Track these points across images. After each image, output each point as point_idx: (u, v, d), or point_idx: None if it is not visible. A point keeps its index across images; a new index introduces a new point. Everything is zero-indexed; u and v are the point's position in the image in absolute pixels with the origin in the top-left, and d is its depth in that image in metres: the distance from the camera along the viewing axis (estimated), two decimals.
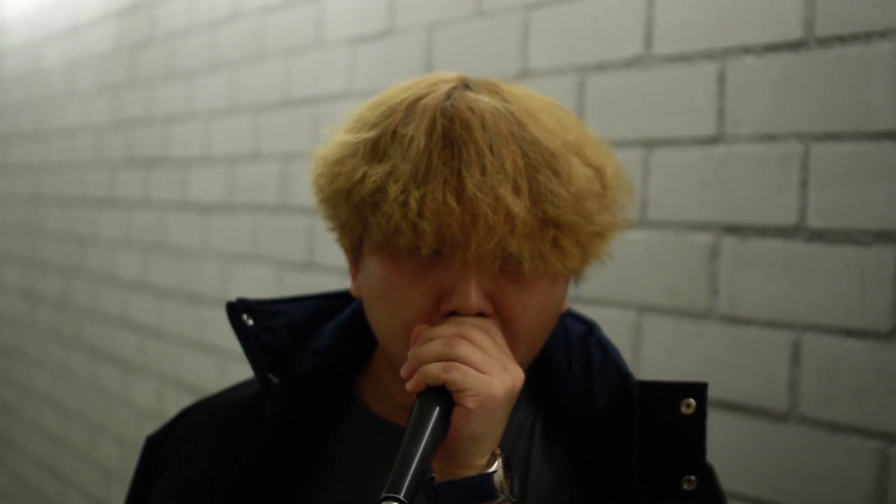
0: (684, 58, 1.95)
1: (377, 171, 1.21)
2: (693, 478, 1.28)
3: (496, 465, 1.17)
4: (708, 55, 1.90)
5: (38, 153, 5.48)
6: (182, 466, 1.44)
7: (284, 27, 3.28)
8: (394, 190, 1.19)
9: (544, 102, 1.29)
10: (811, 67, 1.74)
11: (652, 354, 1.98)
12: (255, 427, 1.37)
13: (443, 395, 1.14)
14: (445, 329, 1.18)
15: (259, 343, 1.38)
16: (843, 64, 1.70)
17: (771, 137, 1.80)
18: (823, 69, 1.72)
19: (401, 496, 1.05)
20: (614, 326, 1.45)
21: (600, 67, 2.12)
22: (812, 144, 1.73)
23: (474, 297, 1.20)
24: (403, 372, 1.19)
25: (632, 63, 2.05)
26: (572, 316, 1.45)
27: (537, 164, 1.20)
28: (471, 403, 1.13)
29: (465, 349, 1.15)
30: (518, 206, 1.17)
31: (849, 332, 1.68)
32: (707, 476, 1.33)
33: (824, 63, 1.73)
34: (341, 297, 1.48)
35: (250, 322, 1.39)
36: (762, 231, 1.81)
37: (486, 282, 1.22)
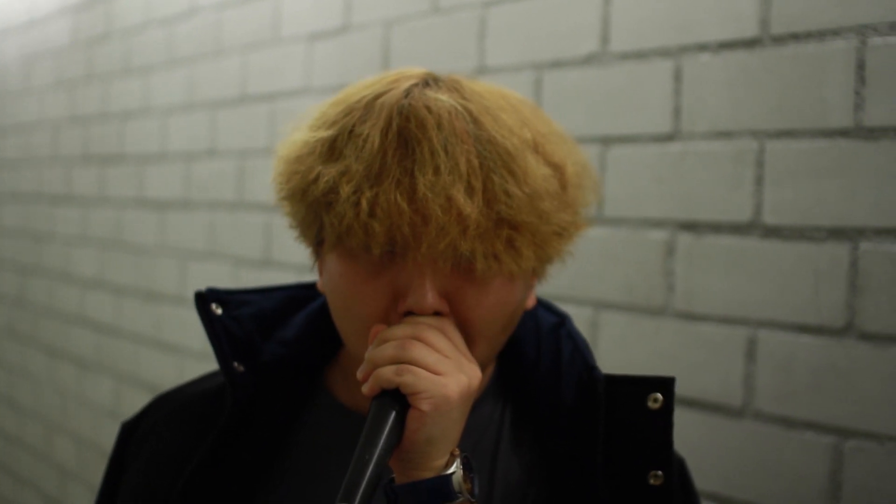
0: (640, 55, 1.95)
1: (331, 171, 1.21)
2: (660, 472, 1.28)
3: (455, 466, 1.16)
4: (664, 52, 1.91)
5: None
6: (150, 456, 1.45)
7: (241, 23, 3.27)
8: (346, 190, 1.18)
9: (507, 99, 1.27)
10: (766, 65, 1.75)
11: (608, 350, 1.98)
12: (220, 416, 1.37)
13: (397, 399, 1.14)
14: (400, 330, 1.18)
15: (225, 332, 1.38)
16: (797, 62, 1.71)
17: (726, 134, 1.80)
18: (778, 67, 1.73)
19: None
20: None
21: (557, 64, 2.12)
22: (767, 141, 1.74)
23: (429, 297, 1.20)
24: (359, 374, 1.18)
25: (588, 60, 2.05)
26: (545, 307, 1.44)
27: (492, 163, 1.19)
28: (425, 406, 1.13)
29: (418, 351, 1.15)
30: (470, 207, 1.16)
31: (803, 329, 1.69)
32: (675, 470, 1.34)
33: (779, 61, 1.73)
34: (313, 288, 1.48)
35: (219, 311, 1.39)
36: (717, 227, 1.81)
37: (442, 281, 1.21)
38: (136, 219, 3.89)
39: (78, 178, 4.42)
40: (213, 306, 1.39)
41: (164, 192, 3.70)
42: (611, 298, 2.00)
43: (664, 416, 1.29)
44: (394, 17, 2.59)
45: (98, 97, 4.24)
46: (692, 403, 1.84)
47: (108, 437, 3.96)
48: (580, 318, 1.97)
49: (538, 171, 1.22)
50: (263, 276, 3.02)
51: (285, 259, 2.90)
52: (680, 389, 1.82)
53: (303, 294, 1.49)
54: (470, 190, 1.17)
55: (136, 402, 3.76)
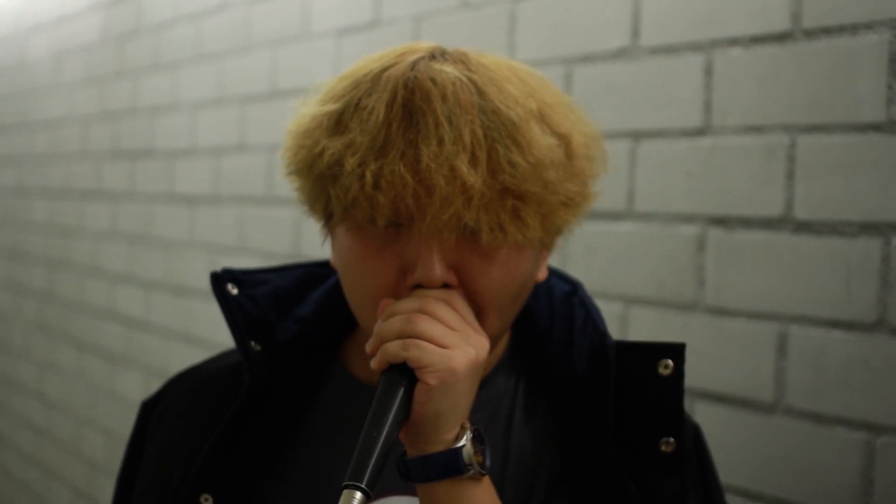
0: (671, 49, 1.95)
1: (336, 144, 1.21)
2: (671, 439, 1.28)
3: (464, 439, 1.17)
4: (695, 47, 1.90)
5: (23, 145, 5.46)
6: (169, 432, 1.46)
7: (271, 18, 3.28)
8: (351, 163, 1.19)
9: (514, 70, 1.27)
10: (798, 59, 1.74)
11: None
12: (237, 394, 1.39)
13: (405, 373, 1.15)
14: (407, 304, 1.19)
15: (241, 311, 1.39)
16: (829, 56, 1.70)
17: (757, 129, 1.80)
18: (810, 61, 1.73)
19: (363, 484, 1.06)
20: None
21: (587, 59, 2.12)
22: (798, 136, 1.73)
23: (437, 269, 1.20)
24: (368, 348, 1.20)
25: (618, 54, 2.05)
26: (557, 275, 1.45)
27: (497, 134, 1.19)
28: (432, 379, 1.14)
29: (424, 325, 1.15)
30: (473, 178, 1.16)
31: (835, 324, 1.68)
32: (689, 437, 1.34)
33: (811, 55, 1.73)
34: (328, 266, 1.49)
35: (234, 291, 1.41)
36: (748, 223, 1.81)
37: (450, 253, 1.21)
38: (166, 214, 3.91)
39: (107, 174, 4.44)
40: (229, 286, 1.41)
41: (194, 187, 3.71)
42: (641, 293, 1.99)
43: (675, 383, 1.29)
44: (423, 12, 2.59)
45: (127, 93, 4.25)
46: (722, 399, 1.83)
47: None
48: (610, 314, 1.96)
49: (543, 141, 1.22)
50: None
51: (315, 254, 2.90)
52: (710, 384, 1.82)
53: (318, 272, 1.51)
54: (474, 160, 1.17)
55: None
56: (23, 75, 5.49)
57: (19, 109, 5.53)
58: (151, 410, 1.53)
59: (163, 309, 3.91)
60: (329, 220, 1.30)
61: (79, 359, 4.68)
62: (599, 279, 2.04)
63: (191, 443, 1.40)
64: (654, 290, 1.97)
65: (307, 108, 1.31)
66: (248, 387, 1.37)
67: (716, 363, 1.84)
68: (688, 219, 1.91)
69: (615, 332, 1.96)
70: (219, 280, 1.41)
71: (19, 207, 5.50)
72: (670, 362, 1.29)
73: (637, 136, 2.00)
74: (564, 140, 1.25)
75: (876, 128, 1.63)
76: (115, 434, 4.23)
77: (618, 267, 2.03)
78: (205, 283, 3.55)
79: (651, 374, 1.30)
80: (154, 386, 3.92)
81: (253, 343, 1.38)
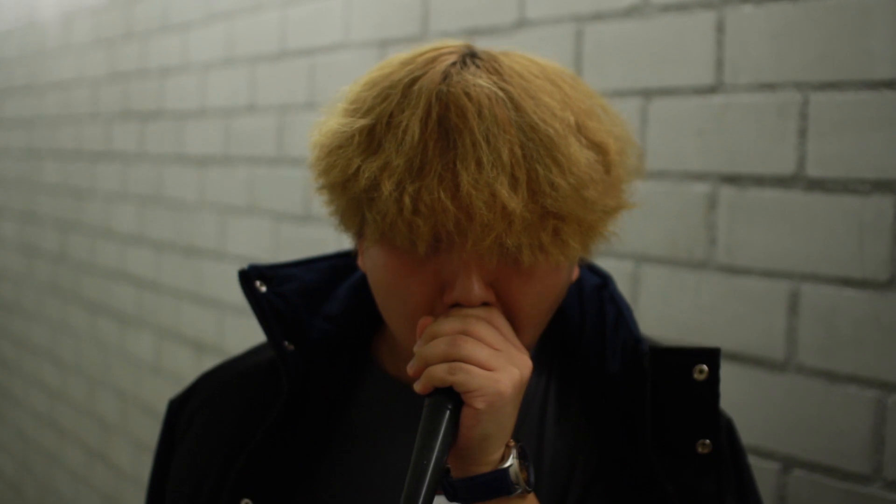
0: (683, 7, 1.94)
1: (371, 166, 1.19)
2: (707, 441, 1.29)
3: (511, 459, 1.17)
4: (706, 4, 1.89)
5: (33, 107, 5.46)
6: (202, 432, 1.45)
7: None
8: (388, 186, 1.17)
9: (547, 74, 1.25)
10: (810, 16, 1.73)
11: (650, 304, 1.98)
12: (272, 394, 1.38)
13: (451, 396, 1.14)
14: (449, 325, 1.18)
15: (273, 310, 1.38)
16: (842, 12, 1.69)
17: (769, 87, 1.79)
18: (822, 18, 1.71)
19: None
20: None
21: (598, 17, 2.11)
22: (811, 93, 1.72)
23: (476, 289, 1.19)
24: (410, 370, 1.18)
25: (630, 12, 2.04)
26: (588, 266, 1.43)
27: (535, 153, 1.17)
28: (479, 404, 1.13)
29: (469, 348, 1.15)
30: (514, 202, 1.15)
31: (847, 282, 1.68)
32: (723, 437, 1.34)
33: (823, 12, 1.71)
34: (352, 256, 1.47)
35: (263, 289, 1.39)
36: (760, 180, 1.80)
37: (488, 272, 1.20)
38: (176, 175, 3.91)
39: (118, 135, 4.43)
40: (258, 283, 1.39)
41: (204, 148, 3.71)
42: (652, 252, 1.99)
43: (710, 387, 1.29)
44: None
45: (137, 54, 4.24)
46: (734, 357, 1.83)
47: (149, 392, 4.00)
48: (621, 272, 1.96)
49: (582, 158, 1.19)
50: (304, 231, 3.03)
51: (325, 214, 2.90)
52: (722, 343, 1.82)
53: (343, 263, 1.49)
54: (514, 182, 1.15)
55: (176, 357, 3.79)
56: (32, 37, 5.48)
57: (29, 71, 5.53)
58: (180, 409, 1.51)
59: (173, 270, 3.92)
60: (361, 234, 1.29)
61: (91, 320, 4.70)
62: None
63: (226, 443, 1.39)
64: (666, 248, 1.96)
65: (334, 120, 1.28)
66: (288, 388, 1.35)
67: (727, 322, 1.84)
68: (699, 177, 1.90)
69: (627, 290, 1.96)
70: (247, 278, 1.39)
71: (30, 169, 5.50)
72: (705, 367, 1.29)
73: (648, 94, 1.99)
74: (602, 151, 1.23)
75: (889, 85, 1.62)
76: (127, 394, 4.25)
77: (629, 225, 2.02)
78: (215, 244, 3.56)
79: (686, 378, 1.29)
80: (166, 347, 3.94)
81: (286, 343, 1.37)
